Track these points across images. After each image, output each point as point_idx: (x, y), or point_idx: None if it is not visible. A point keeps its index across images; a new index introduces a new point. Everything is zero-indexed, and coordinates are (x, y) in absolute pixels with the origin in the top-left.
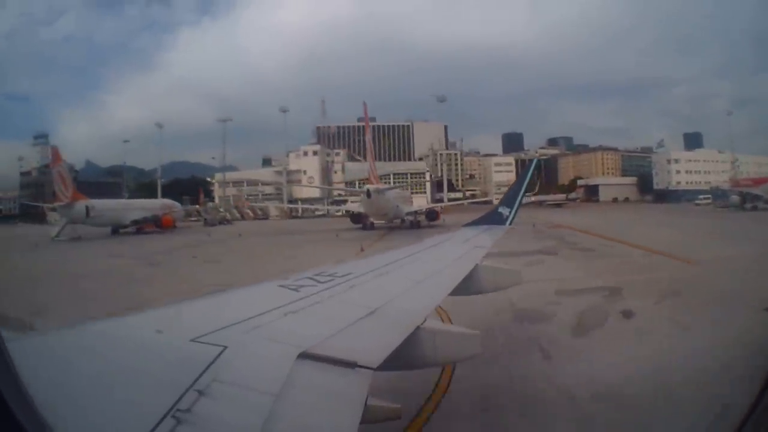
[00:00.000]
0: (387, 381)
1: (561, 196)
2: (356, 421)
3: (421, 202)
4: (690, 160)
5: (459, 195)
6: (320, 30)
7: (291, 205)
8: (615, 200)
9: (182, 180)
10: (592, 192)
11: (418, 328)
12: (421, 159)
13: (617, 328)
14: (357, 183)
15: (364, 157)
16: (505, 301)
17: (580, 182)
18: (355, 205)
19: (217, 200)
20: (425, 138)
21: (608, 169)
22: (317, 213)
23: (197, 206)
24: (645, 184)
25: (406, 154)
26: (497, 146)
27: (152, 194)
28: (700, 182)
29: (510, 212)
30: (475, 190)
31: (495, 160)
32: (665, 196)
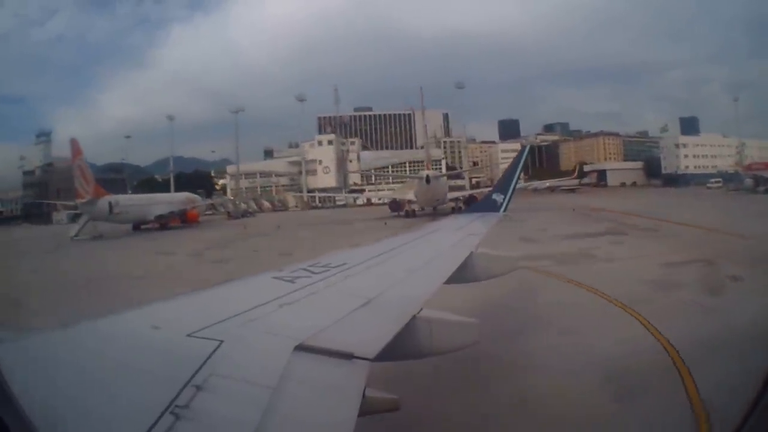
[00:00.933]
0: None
1: (574, 181)
2: (354, 413)
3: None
4: (697, 145)
5: (463, 183)
6: (311, 21)
7: (322, 194)
8: (623, 185)
9: (186, 174)
10: (599, 177)
11: (414, 317)
12: (422, 147)
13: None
14: (373, 172)
15: (369, 146)
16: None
17: (587, 167)
18: (400, 192)
19: (228, 192)
20: (426, 126)
21: (610, 154)
22: (338, 203)
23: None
24: (652, 169)
25: (408, 143)
26: (492, 133)
27: (153, 190)
28: (707, 166)
29: (504, 199)
30: (480, 177)
31: (501, 146)
32: (674, 181)
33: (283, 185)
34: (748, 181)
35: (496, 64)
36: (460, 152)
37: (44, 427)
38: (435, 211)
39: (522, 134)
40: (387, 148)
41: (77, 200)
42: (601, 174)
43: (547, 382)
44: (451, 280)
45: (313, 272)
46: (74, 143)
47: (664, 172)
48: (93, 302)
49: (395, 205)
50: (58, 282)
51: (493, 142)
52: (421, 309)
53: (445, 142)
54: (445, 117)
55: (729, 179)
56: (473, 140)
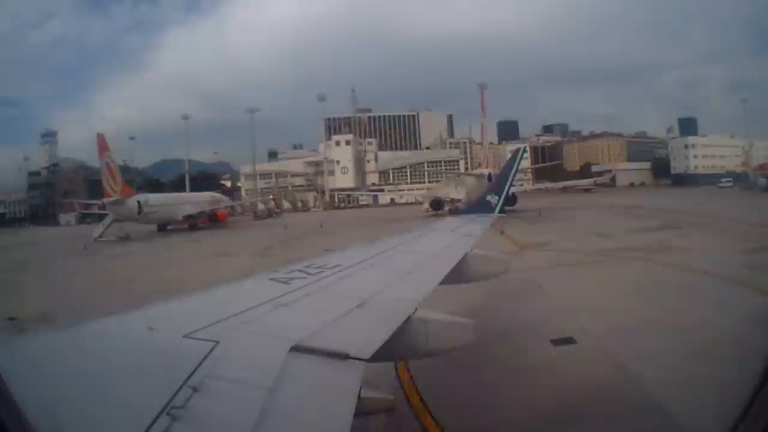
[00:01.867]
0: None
1: (589, 181)
2: (350, 413)
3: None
4: (705, 146)
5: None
6: (308, 24)
7: (342, 193)
8: (632, 185)
9: (192, 175)
10: (614, 177)
11: (409, 318)
12: (428, 148)
13: None
14: (391, 172)
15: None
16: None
17: (594, 168)
18: (442, 191)
19: (243, 193)
20: (429, 127)
21: (613, 154)
22: (361, 203)
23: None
24: (660, 169)
25: (413, 144)
26: (491, 135)
27: (158, 192)
28: (714, 167)
29: (498, 201)
30: (418, 181)
31: (510, 147)
32: (684, 181)
33: (299, 186)
34: (762, 181)
35: (493, 66)
36: (465, 153)
37: (41, 428)
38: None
39: (521, 135)
40: (392, 149)
41: (104, 199)
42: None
43: None
44: (446, 281)
45: (308, 273)
46: (101, 138)
47: (673, 172)
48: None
49: (438, 204)
50: (133, 292)
51: (493, 143)
52: (416, 309)
53: (450, 143)
54: (449, 119)
55: (738, 179)
56: (472, 141)
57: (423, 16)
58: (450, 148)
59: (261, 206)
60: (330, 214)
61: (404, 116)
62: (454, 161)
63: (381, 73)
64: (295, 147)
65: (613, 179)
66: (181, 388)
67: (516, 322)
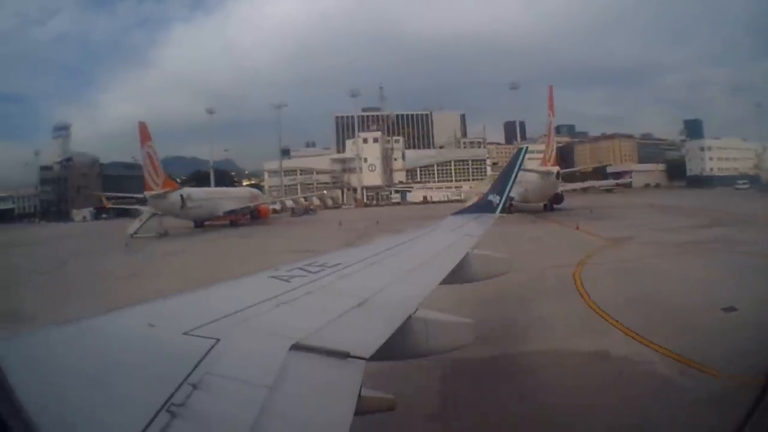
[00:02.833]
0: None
1: (611, 182)
2: (350, 412)
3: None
4: (720, 148)
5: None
6: (313, 22)
7: (401, 187)
8: (647, 186)
9: (205, 172)
10: (617, 178)
11: (410, 317)
12: (442, 147)
13: None
14: (418, 170)
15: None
16: None
17: (609, 169)
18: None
19: (266, 190)
20: (442, 127)
21: (624, 156)
22: (392, 200)
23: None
24: (674, 170)
25: (426, 143)
26: (496, 135)
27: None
28: (729, 169)
29: (500, 200)
30: (462, 179)
31: (529, 147)
32: (699, 182)
33: (324, 183)
34: None
35: (498, 66)
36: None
37: (40, 425)
38: (544, 208)
39: (528, 136)
40: (406, 148)
41: (146, 192)
42: (620, 176)
43: None
44: (447, 281)
45: (309, 272)
46: (143, 127)
47: (689, 174)
48: None
49: None
50: None
51: (500, 144)
52: (417, 309)
53: (464, 143)
54: (462, 118)
55: (752, 182)
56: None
57: (427, 14)
58: (465, 147)
59: (307, 202)
60: (365, 211)
61: (417, 115)
62: (480, 160)
63: (387, 71)
64: (307, 145)
65: (631, 180)
66: (181, 385)
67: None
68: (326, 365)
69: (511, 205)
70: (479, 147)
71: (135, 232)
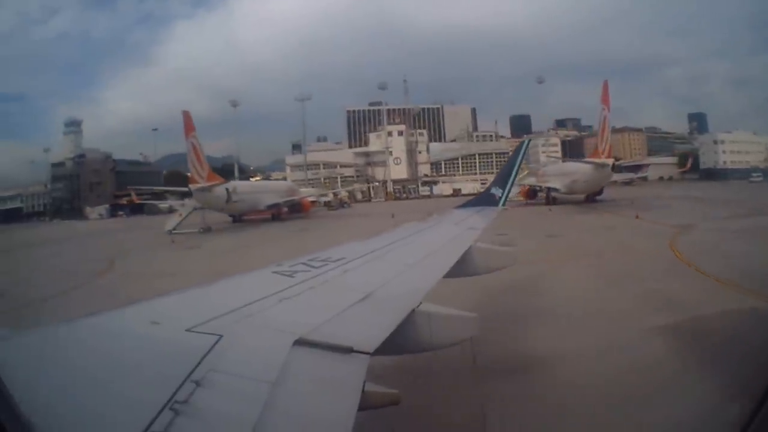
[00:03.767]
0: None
1: (631, 175)
2: (354, 407)
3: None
4: (733, 141)
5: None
6: (316, 17)
7: (429, 179)
8: (661, 179)
9: (217, 169)
10: (633, 171)
11: (413, 311)
12: (454, 140)
13: None
14: (443, 163)
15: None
16: None
17: (626, 162)
18: (541, 179)
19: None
20: (452, 120)
21: (634, 149)
22: (422, 193)
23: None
24: (686, 163)
25: (438, 137)
26: (501, 129)
27: (183, 185)
28: (741, 162)
29: (503, 193)
30: (490, 172)
31: (541, 141)
32: (713, 175)
33: (348, 176)
34: None
35: (500, 60)
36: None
37: (42, 424)
38: (586, 200)
39: (534, 130)
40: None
41: (191, 185)
42: (635, 169)
43: None
44: (450, 274)
45: (312, 266)
46: (187, 116)
47: (702, 167)
48: None
49: (533, 193)
50: None
51: (505, 137)
52: (420, 303)
53: (477, 136)
54: (473, 112)
55: (766, 174)
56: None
57: (430, 8)
58: (477, 140)
59: (342, 196)
60: (399, 204)
61: (429, 109)
62: (503, 153)
63: (391, 66)
64: (318, 139)
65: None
66: (184, 382)
67: None
68: (330, 360)
69: (554, 197)
70: (492, 140)
71: (174, 228)
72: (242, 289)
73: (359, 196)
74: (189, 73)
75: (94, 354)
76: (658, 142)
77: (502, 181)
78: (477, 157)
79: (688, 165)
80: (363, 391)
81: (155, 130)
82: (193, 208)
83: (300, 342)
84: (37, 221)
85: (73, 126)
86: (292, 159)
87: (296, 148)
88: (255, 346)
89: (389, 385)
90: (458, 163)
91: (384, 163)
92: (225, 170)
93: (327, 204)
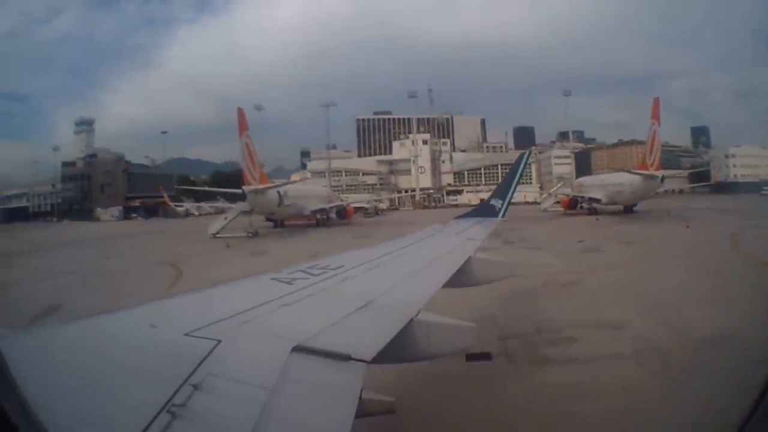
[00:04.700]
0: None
1: None
2: (351, 414)
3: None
4: (743, 155)
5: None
6: (318, 26)
7: (457, 187)
8: (672, 191)
9: (225, 173)
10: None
11: (411, 320)
12: (464, 150)
13: None
14: (466, 173)
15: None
16: None
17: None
18: (577, 190)
19: None
20: (462, 131)
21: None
22: (450, 202)
23: None
24: (698, 177)
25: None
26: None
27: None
28: (751, 175)
29: (502, 204)
30: (523, 182)
31: (554, 152)
32: (724, 188)
33: (370, 184)
34: None
35: (503, 72)
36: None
37: (41, 425)
38: (624, 210)
39: (537, 142)
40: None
41: (245, 187)
42: None
43: None
44: (449, 285)
45: (311, 274)
46: (241, 114)
47: (714, 180)
48: None
49: (573, 204)
50: None
51: (511, 148)
52: (419, 312)
53: (487, 147)
54: (483, 123)
55: None
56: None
57: (433, 20)
58: (487, 151)
59: (376, 203)
60: (430, 212)
61: (432, 119)
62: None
63: (394, 76)
64: (328, 147)
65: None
66: (181, 386)
67: None
68: (327, 367)
69: (594, 208)
70: (502, 151)
71: (217, 232)
72: (241, 295)
73: (387, 204)
74: (191, 78)
75: (92, 356)
76: (665, 155)
77: (503, 192)
78: (500, 167)
79: (715, 179)
80: (360, 398)
81: (165, 132)
82: (241, 211)
83: (298, 348)
84: (44, 221)
85: (85, 125)
86: (315, 165)
87: (305, 155)
88: (253, 352)
89: (385, 392)
90: (481, 173)
91: (407, 172)
92: (237, 176)
93: (363, 210)
